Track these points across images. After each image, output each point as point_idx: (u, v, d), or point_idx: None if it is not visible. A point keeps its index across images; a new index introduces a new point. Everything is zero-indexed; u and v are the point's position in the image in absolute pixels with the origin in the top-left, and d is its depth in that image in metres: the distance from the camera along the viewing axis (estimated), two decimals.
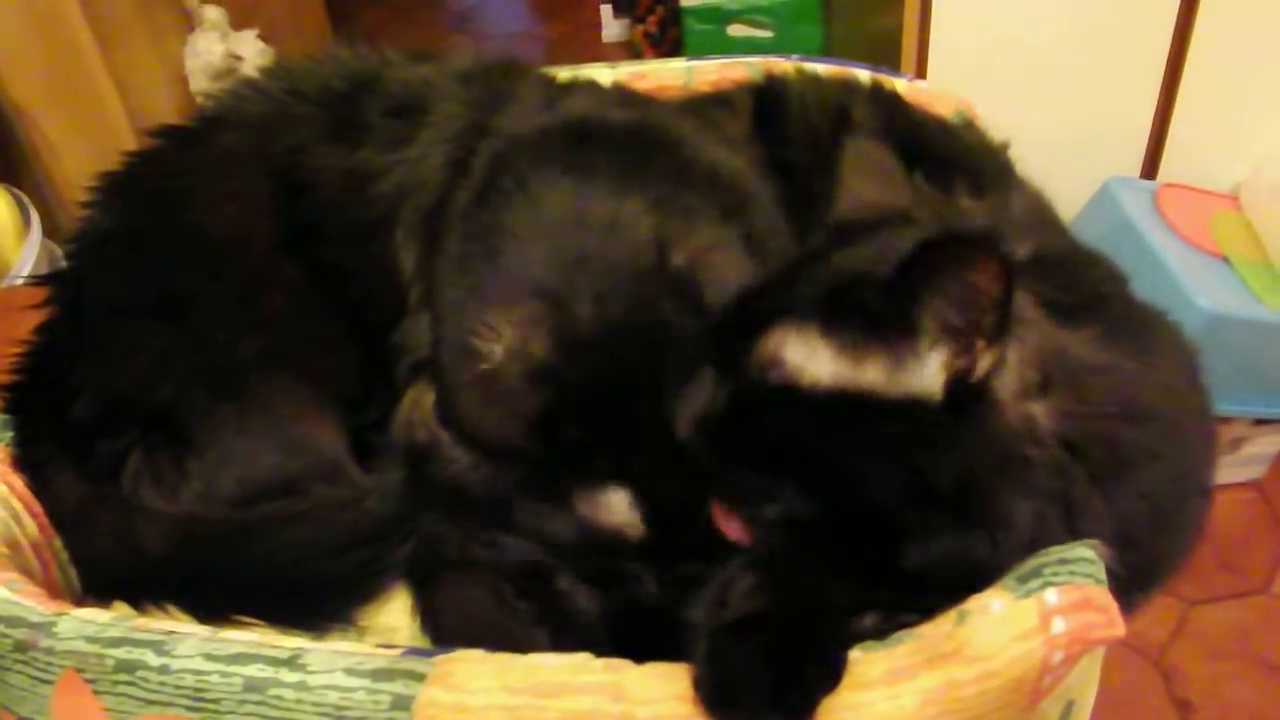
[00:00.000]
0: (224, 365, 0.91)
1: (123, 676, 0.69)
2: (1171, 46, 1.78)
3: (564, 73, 1.11)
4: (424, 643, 0.83)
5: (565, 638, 0.78)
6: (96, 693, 0.69)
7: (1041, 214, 0.94)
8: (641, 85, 1.17)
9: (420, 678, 0.66)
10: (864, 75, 1.11)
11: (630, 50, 2.94)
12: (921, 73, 1.85)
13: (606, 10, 3.07)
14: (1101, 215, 1.76)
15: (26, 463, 0.89)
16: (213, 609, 0.82)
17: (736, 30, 2.53)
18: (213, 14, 2.10)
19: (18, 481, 0.88)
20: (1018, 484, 0.65)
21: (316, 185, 0.97)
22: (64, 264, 1.01)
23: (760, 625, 0.65)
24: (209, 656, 0.68)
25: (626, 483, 0.80)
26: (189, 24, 2.11)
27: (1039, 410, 0.67)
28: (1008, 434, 0.65)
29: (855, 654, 0.64)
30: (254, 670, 0.67)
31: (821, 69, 1.14)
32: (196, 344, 0.92)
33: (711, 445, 0.72)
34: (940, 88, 1.16)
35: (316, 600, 0.85)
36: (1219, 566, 1.66)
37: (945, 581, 0.66)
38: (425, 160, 0.96)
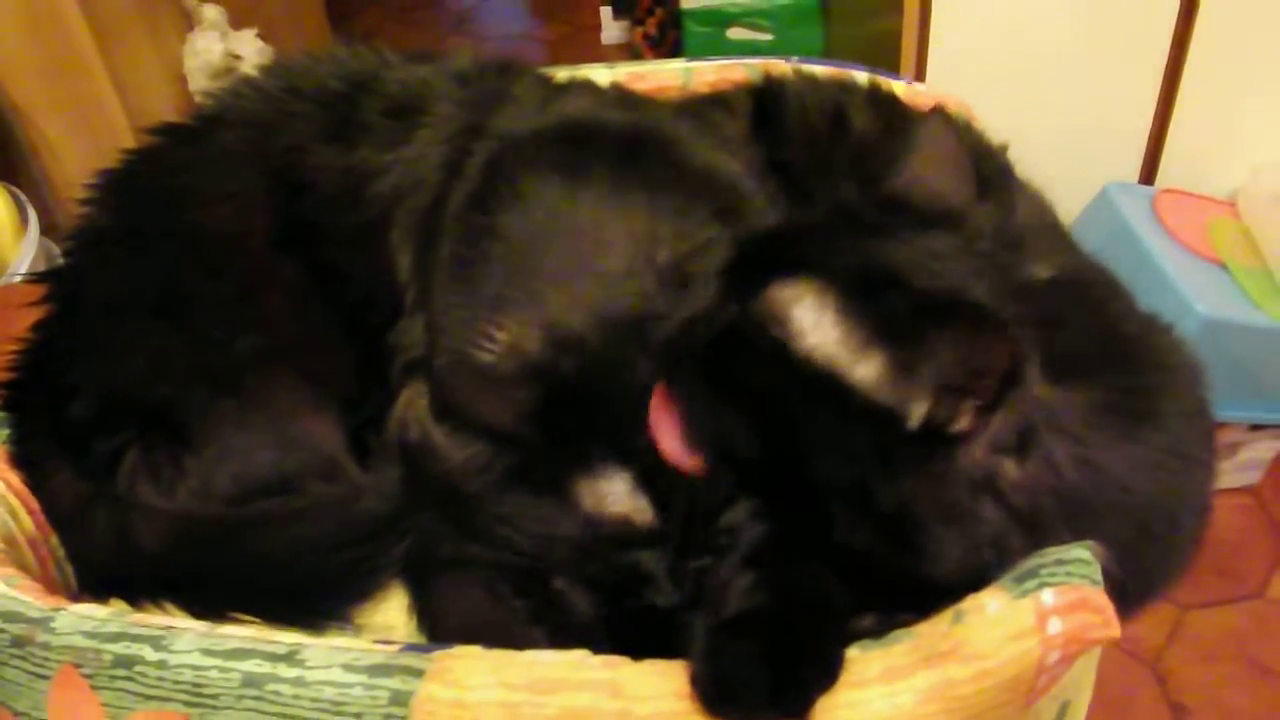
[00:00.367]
0: (221, 363, 0.91)
1: (120, 672, 0.69)
2: (1170, 52, 1.78)
3: (562, 73, 1.11)
4: (421, 641, 0.83)
5: (562, 635, 0.78)
6: (94, 688, 0.69)
7: (1045, 218, 0.94)
8: (640, 86, 1.17)
9: (418, 673, 0.66)
10: (861, 76, 1.11)
11: (630, 52, 2.94)
12: (920, 76, 1.85)
13: (606, 12, 3.07)
14: (1100, 220, 1.76)
15: (23, 459, 0.89)
16: (209, 606, 0.81)
17: (736, 33, 2.53)
18: (211, 13, 2.10)
19: (14, 478, 0.88)
20: (954, 530, 0.65)
21: (314, 184, 0.97)
22: (61, 261, 1.01)
23: (758, 623, 0.65)
24: (207, 652, 0.68)
25: (626, 467, 0.80)
26: (188, 23, 2.11)
27: (1008, 466, 0.65)
28: (964, 483, 0.65)
29: (852, 652, 0.64)
30: (252, 665, 0.67)
31: (819, 70, 1.14)
32: (194, 342, 0.92)
33: (684, 360, 0.72)
34: (938, 90, 1.16)
35: (313, 598, 0.85)
36: (1215, 571, 1.66)
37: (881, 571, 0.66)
38: (422, 161, 0.96)
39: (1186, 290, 1.59)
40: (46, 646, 0.70)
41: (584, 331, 0.82)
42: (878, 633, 0.65)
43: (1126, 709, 1.50)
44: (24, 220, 1.79)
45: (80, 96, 1.92)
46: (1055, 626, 0.62)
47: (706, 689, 0.62)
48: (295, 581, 0.86)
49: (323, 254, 0.96)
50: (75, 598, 0.87)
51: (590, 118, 0.99)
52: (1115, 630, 0.63)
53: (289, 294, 0.95)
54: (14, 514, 0.86)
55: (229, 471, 0.88)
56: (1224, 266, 1.70)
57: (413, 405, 0.91)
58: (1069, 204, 1.62)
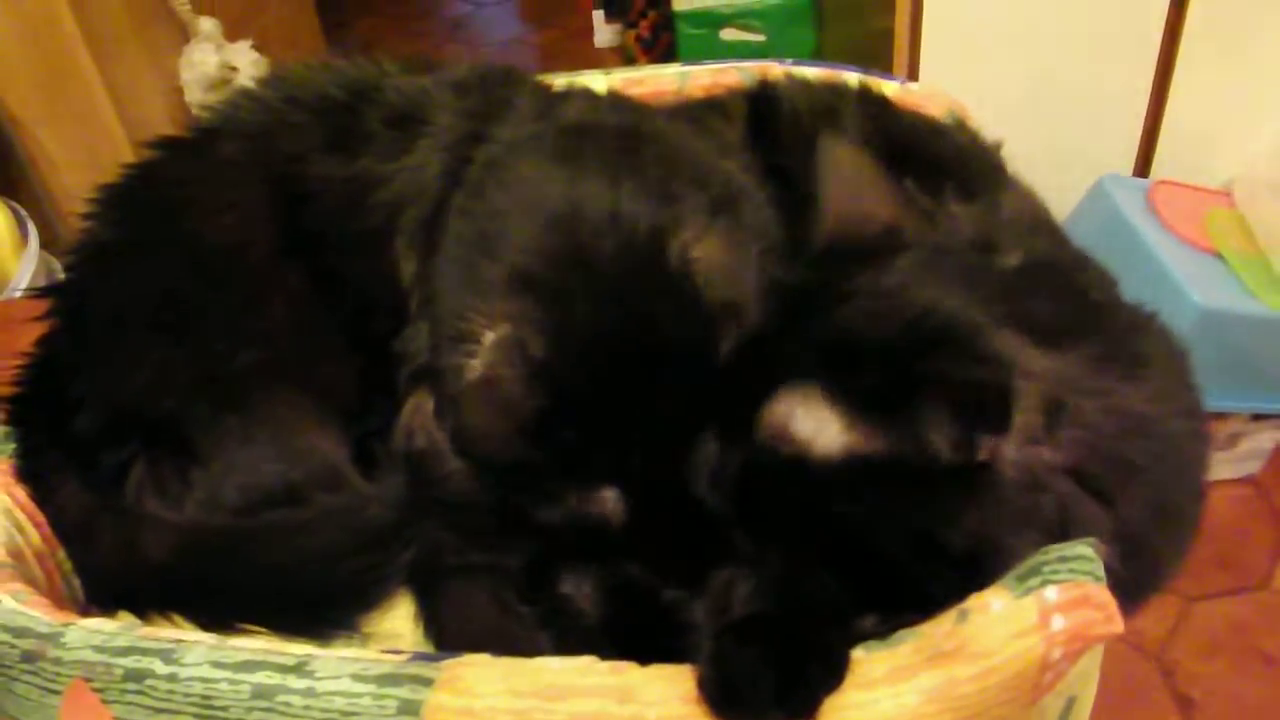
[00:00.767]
0: (226, 375, 0.91)
1: (131, 685, 0.69)
2: (1162, 43, 1.78)
3: (559, 80, 1.11)
4: (428, 648, 0.83)
5: (569, 642, 0.78)
6: (105, 702, 0.70)
7: (1033, 215, 0.94)
8: (636, 91, 1.17)
9: (427, 682, 0.66)
10: (852, 78, 1.10)
11: (623, 55, 2.94)
12: (914, 75, 1.85)
13: (598, 15, 3.07)
14: (1095, 213, 1.76)
15: (30, 473, 0.89)
16: (217, 617, 0.82)
17: (729, 34, 2.53)
18: (207, 25, 2.10)
19: (21, 493, 0.88)
20: (1024, 530, 0.66)
21: (316, 194, 0.97)
22: (63, 276, 1.02)
23: (764, 626, 0.65)
24: (217, 664, 0.69)
25: (619, 483, 0.80)
26: (183, 35, 2.11)
27: (1044, 451, 0.67)
28: (1014, 488, 0.66)
29: (858, 653, 0.65)
30: (262, 677, 0.68)
31: (810, 73, 1.14)
32: (198, 354, 0.92)
33: (729, 508, 0.72)
34: (931, 89, 1.16)
35: (320, 607, 0.85)
36: (1217, 562, 1.66)
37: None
38: (424, 169, 0.97)
39: (1183, 281, 1.59)
40: (57, 661, 0.71)
41: (589, 333, 0.82)
42: (883, 633, 0.66)
43: (1133, 702, 1.51)
44: (24, 235, 1.80)
45: (77, 109, 1.92)
46: (1058, 623, 0.63)
47: (714, 692, 0.62)
48: (302, 591, 0.86)
49: (326, 263, 0.96)
50: (83, 611, 0.88)
51: (589, 120, 0.99)
52: (1118, 626, 0.63)
53: (292, 304, 0.95)
54: (21, 528, 0.86)
55: (235, 484, 0.89)
56: (1220, 257, 1.70)
57: (419, 413, 0.91)
58: (1064, 198, 1.63)
